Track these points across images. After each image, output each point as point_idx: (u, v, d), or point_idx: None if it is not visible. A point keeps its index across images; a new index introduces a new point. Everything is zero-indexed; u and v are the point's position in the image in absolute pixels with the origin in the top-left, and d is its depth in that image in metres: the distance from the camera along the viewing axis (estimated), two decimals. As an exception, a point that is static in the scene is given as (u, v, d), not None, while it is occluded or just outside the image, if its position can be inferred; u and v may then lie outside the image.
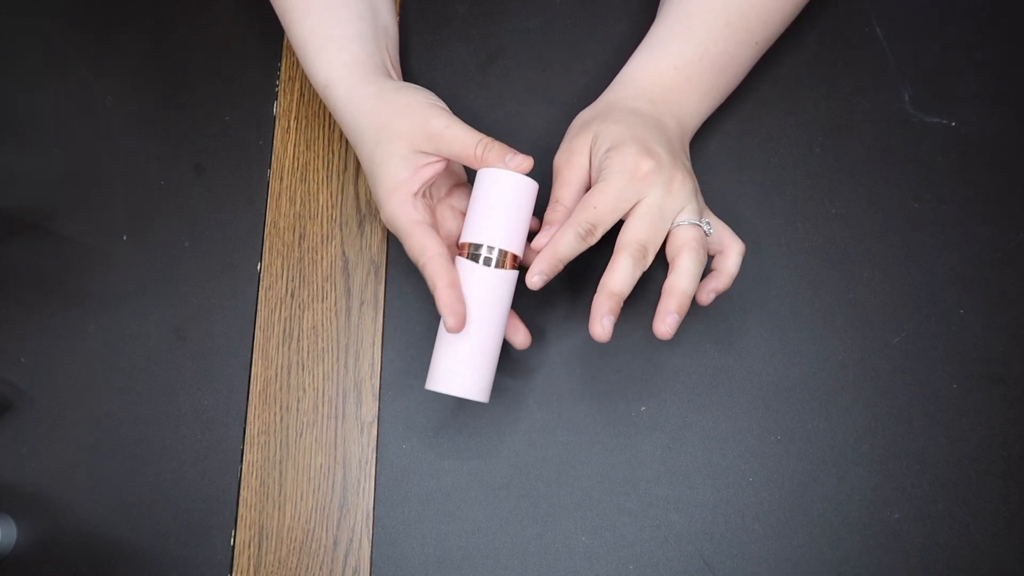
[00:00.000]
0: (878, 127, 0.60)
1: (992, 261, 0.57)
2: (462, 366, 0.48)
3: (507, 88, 0.62)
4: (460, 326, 0.47)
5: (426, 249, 0.48)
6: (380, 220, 0.60)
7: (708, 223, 0.49)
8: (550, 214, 0.49)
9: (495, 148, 0.48)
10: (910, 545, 0.52)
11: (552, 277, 0.47)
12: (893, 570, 0.52)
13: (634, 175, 0.47)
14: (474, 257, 0.49)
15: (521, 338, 0.53)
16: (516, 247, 0.49)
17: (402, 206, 0.49)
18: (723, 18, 0.53)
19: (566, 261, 0.47)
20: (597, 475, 0.54)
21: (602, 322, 0.46)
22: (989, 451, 0.54)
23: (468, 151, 0.48)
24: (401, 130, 0.49)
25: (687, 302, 0.47)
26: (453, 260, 0.49)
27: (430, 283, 0.48)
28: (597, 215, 0.47)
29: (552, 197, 0.50)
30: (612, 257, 0.47)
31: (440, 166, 0.50)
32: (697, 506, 0.54)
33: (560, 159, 0.51)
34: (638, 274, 0.47)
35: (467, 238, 0.49)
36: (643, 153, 0.47)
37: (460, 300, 0.47)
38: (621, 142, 0.48)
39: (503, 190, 0.48)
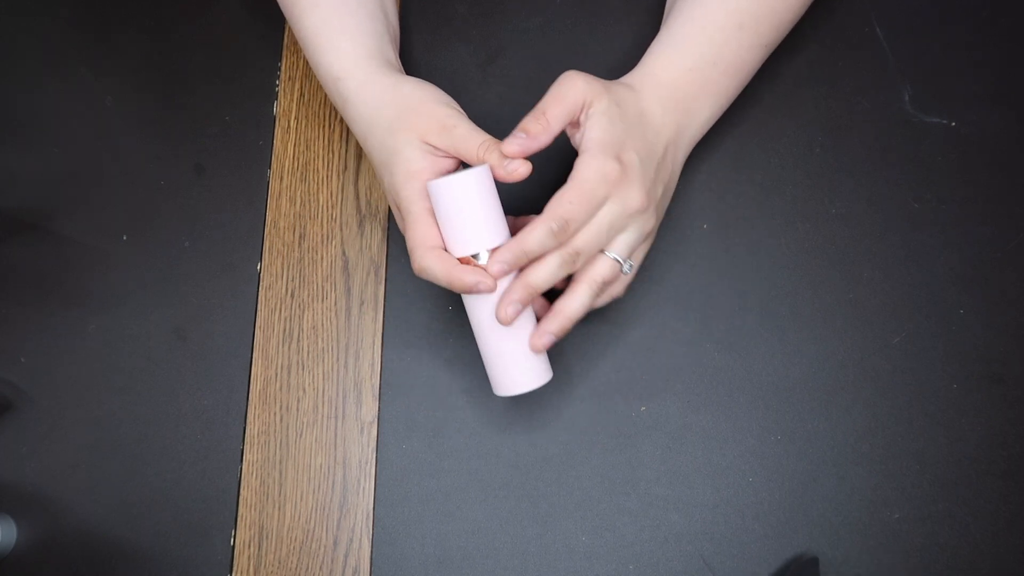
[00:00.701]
0: (878, 127, 0.60)
1: (992, 261, 0.57)
2: (521, 363, 0.48)
3: (507, 88, 0.62)
4: (494, 284, 0.46)
5: (427, 240, 0.47)
6: (379, 219, 0.60)
7: (631, 264, 0.49)
8: (530, 123, 0.47)
9: (494, 152, 0.47)
10: (910, 545, 0.52)
11: (515, 268, 0.46)
12: (893, 570, 0.52)
13: (606, 179, 0.46)
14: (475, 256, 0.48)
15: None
16: (505, 238, 0.48)
17: (421, 192, 0.48)
18: (736, 21, 0.53)
19: (532, 256, 0.46)
20: (597, 475, 0.54)
21: (506, 309, 0.46)
22: (989, 451, 0.54)
23: (471, 150, 0.48)
24: (415, 122, 0.49)
25: (568, 326, 0.48)
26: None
27: (439, 273, 0.47)
28: (570, 212, 0.45)
29: (538, 107, 0.48)
30: (534, 221, 0.46)
31: (453, 161, 0.50)
32: (697, 506, 0.54)
33: (568, 78, 0.49)
34: (559, 276, 0.47)
35: (459, 252, 0.47)
36: (620, 157, 0.47)
37: (476, 271, 0.47)
38: (604, 144, 0.47)
39: (466, 193, 0.47)
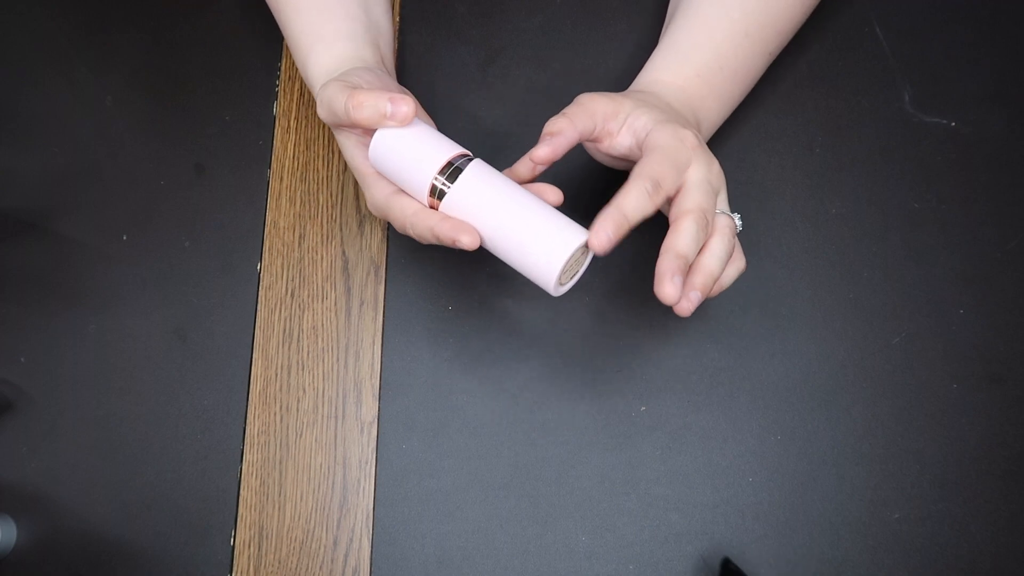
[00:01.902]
0: (878, 127, 0.60)
1: (992, 261, 0.57)
2: (551, 230, 0.44)
3: (507, 88, 0.62)
4: (476, 239, 0.45)
5: (405, 209, 0.47)
6: (379, 219, 0.60)
7: (740, 217, 0.49)
8: (551, 125, 0.47)
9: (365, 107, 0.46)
10: (910, 545, 0.52)
11: (619, 239, 0.43)
12: (893, 570, 0.52)
13: (684, 143, 0.46)
14: (447, 183, 0.46)
15: (552, 195, 0.48)
16: (455, 148, 0.47)
17: (381, 188, 0.49)
18: (742, 29, 0.53)
19: (633, 221, 0.43)
20: (597, 475, 0.54)
21: (673, 280, 0.43)
22: (989, 451, 0.54)
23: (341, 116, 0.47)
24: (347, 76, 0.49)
25: (711, 284, 0.45)
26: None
27: (424, 233, 0.46)
28: (659, 173, 0.44)
29: (561, 113, 0.47)
30: (673, 224, 0.44)
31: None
32: (697, 506, 0.54)
33: (585, 96, 0.49)
34: (702, 240, 0.45)
35: (425, 187, 0.46)
36: (687, 128, 0.47)
37: (459, 221, 0.45)
38: (663, 120, 0.47)
39: (396, 140, 0.46)
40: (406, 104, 0.45)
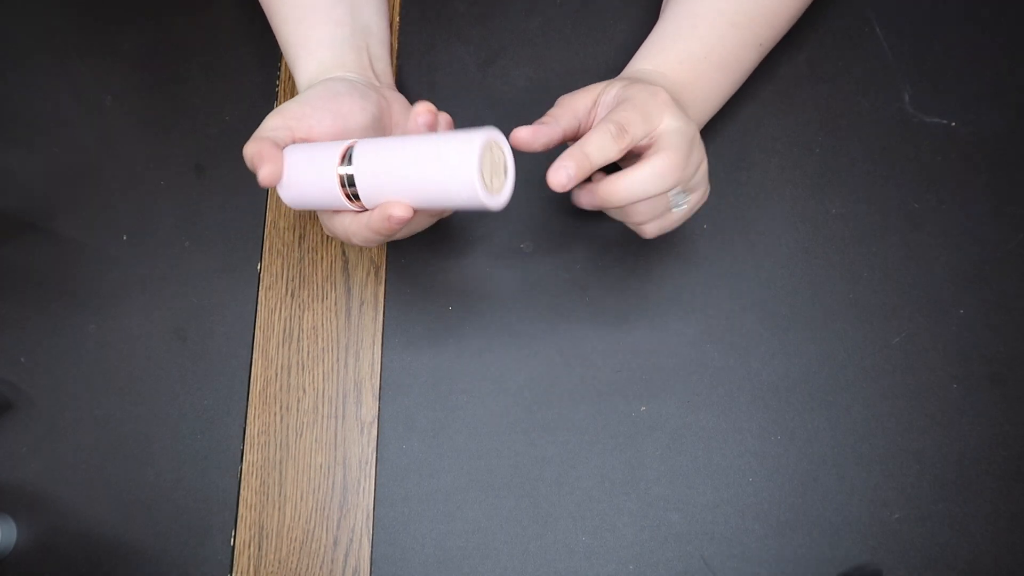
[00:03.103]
0: (878, 127, 0.60)
1: (992, 261, 0.57)
2: (448, 145, 0.41)
3: (507, 88, 0.62)
4: (406, 208, 0.43)
5: (345, 224, 0.47)
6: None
7: (685, 199, 0.48)
8: (538, 123, 0.47)
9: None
10: (910, 545, 0.52)
11: (579, 177, 0.43)
12: (893, 570, 0.52)
13: (655, 97, 0.46)
14: (348, 168, 0.44)
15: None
16: (342, 144, 0.46)
17: (323, 220, 0.50)
18: (729, 20, 0.53)
19: (595, 161, 0.43)
20: (597, 475, 0.54)
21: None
22: (989, 451, 0.54)
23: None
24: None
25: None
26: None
27: (367, 234, 0.45)
28: (626, 118, 0.44)
29: (545, 115, 0.48)
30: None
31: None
32: (697, 506, 0.54)
33: (564, 96, 0.50)
34: (611, 153, 0.44)
35: (335, 188, 0.45)
36: (660, 89, 0.46)
37: (384, 203, 0.44)
38: (634, 82, 0.48)
39: (290, 172, 0.46)
40: (264, 167, 0.45)
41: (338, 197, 0.46)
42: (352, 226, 0.46)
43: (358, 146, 0.45)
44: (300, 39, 0.54)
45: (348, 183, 0.45)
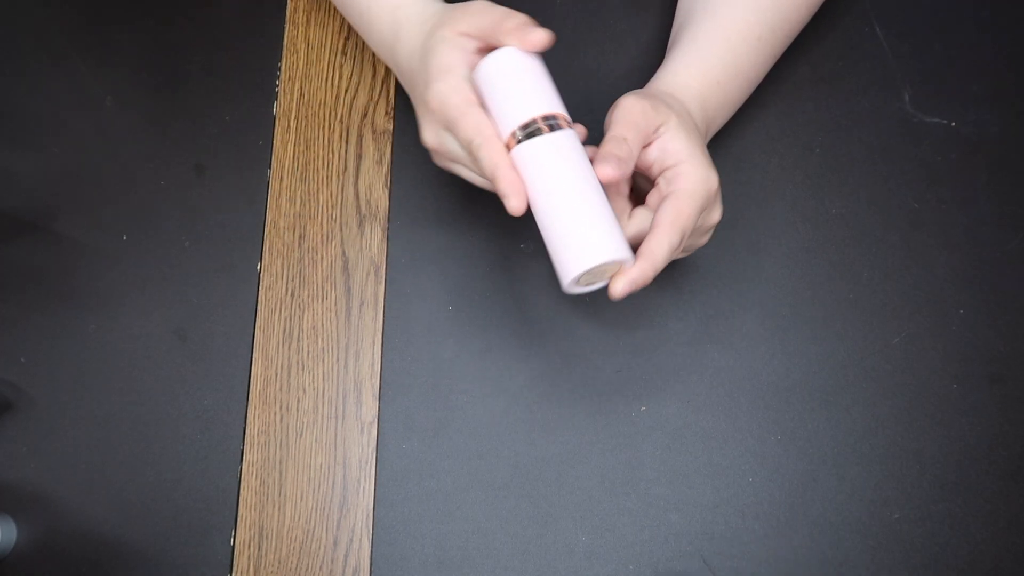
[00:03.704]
0: (878, 127, 0.60)
1: (992, 261, 0.57)
2: (595, 232, 0.42)
3: (507, 88, 0.62)
4: (523, 206, 0.44)
5: (483, 129, 0.45)
6: (379, 219, 0.60)
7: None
8: (615, 148, 0.45)
9: (513, 20, 0.46)
10: (910, 545, 0.52)
11: (643, 286, 0.44)
12: (893, 570, 0.52)
13: (710, 191, 0.46)
14: (530, 135, 0.44)
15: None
16: (560, 108, 0.45)
17: (458, 87, 0.46)
18: (756, 33, 0.53)
19: (660, 269, 0.45)
20: (597, 475, 0.54)
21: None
22: (989, 451, 0.54)
23: (495, 24, 0.46)
24: (456, 16, 0.48)
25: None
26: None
27: (487, 167, 0.44)
28: (689, 226, 0.45)
29: (614, 134, 0.46)
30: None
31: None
32: (697, 506, 0.54)
33: (629, 105, 0.47)
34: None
35: (510, 126, 0.44)
36: (711, 167, 0.47)
37: (521, 180, 0.44)
38: (695, 155, 0.47)
39: (507, 68, 0.45)
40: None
41: (504, 125, 0.45)
42: (487, 141, 0.45)
43: (554, 136, 0.44)
44: None
45: (521, 136, 0.44)
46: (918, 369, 0.55)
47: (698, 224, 0.47)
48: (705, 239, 0.51)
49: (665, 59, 0.55)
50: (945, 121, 0.59)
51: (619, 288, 0.43)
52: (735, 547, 0.53)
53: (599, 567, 0.53)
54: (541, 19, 0.64)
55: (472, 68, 0.47)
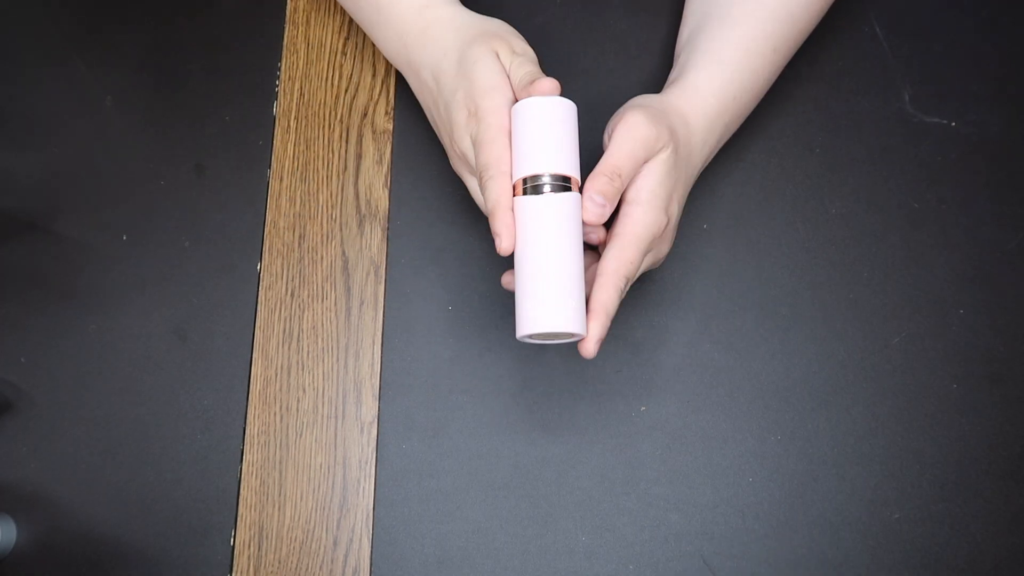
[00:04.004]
0: (878, 127, 0.60)
1: (992, 261, 0.57)
2: (554, 301, 0.44)
3: (507, 88, 0.62)
4: (510, 249, 0.46)
5: (500, 163, 0.46)
6: (379, 219, 0.60)
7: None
8: (605, 185, 0.46)
9: (526, 83, 0.47)
10: (910, 545, 0.52)
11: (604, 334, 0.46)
12: (893, 570, 0.52)
13: (654, 236, 0.47)
14: (534, 190, 0.45)
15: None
16: (573, 170, 0.46)
17: (503, 107, 0.47)
18: (772, 44, 0.53)
19: (613, 315, 0.46)
20: (597, 475, 0.54)
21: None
22: (989, 451, 0.54)
23: (515, 83, 0.48)
24: (495, 40, 0.49)
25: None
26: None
27: (490, 201, 0.46)
28: (634, 270, 0.47)
29: (611, 164, 0.46)
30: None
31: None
32: (697, 506, 0.54)
33: (633, 122, 0.47)
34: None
35: (521, 173, 0.46)
36: (663, 212, 0.47)
37: (514, 224, 0.46)
38: (664, 194, 0.47)
39: (536, 117, 0.46)
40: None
41: (519, 167, 0.47)
42: (500, 176, 0.46)
43: (552, 198, 0.46)
44: None
45: (525, 188, 0.46)
46: (918, 369, 0.55)
47: (645, 262, 0.48)
48: (661, 260, 0.51)
49: (682, 64, 0.54)
50: (945, 121, 0.59)
51: (588, 350, 0.45)
52: (735, 547, 0.53)
53: (599, 567, 0.53)
54: (541, 19, 0.64)
55: (508, 93, 0.48)
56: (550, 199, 0.45)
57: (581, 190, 0.46)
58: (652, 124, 0.47)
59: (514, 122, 0.47)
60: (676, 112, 0.50)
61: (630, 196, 0.47)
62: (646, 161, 0.47)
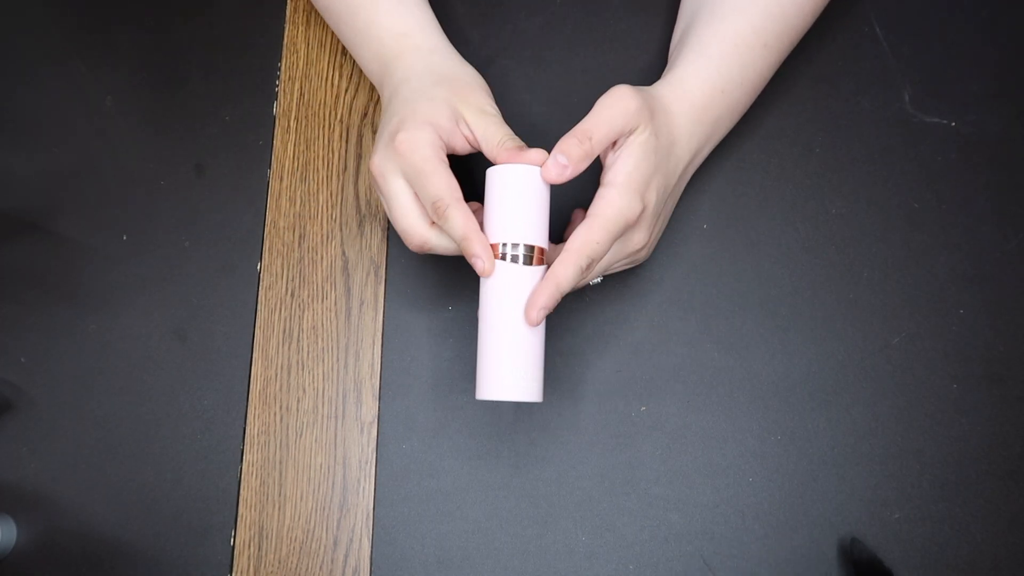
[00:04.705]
0: (878, 127, 0.60)
1: (992, 261, 0.57)
2: (512, 369, 0.46)
3: (507, 88, 0.62)
4: (492, 269, 0.46)
5: (454, 191, 0.47)
6: (379, 219, 0.60)
7: (599, 280, 0.52)
8: (572, 146, 0.46)
9: (510, 147, 0.47)
10: (910, 545, 0.52)
11: (551, 309, 0.47)
12: (893, 570, 0.52)
13: (626, 221, 0.47)
14: (501, 257, 0.47)
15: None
16: (543, 241, 0.48)
17: (434, 141, 0.48)
18: (763, 40, 0.53)
19: (565, 292, 0.47)
20: (597, 475, 0.54)
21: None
22: (989, 451, 0.54)
23: (491, 143, 0.48)
24: (464, 92, 0.50)
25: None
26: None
27: (458, 228, 0.46)
28: (599, 253, 0.46)
29: (584, 127, 0.46)
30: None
31: (467, 147, 0.50)
32: (697, 506, 0.54)
33: (622, 97, 0.47)
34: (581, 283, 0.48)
35: (493, 239, 0.47)
36: (637, 197, 0.47)
37: (489, 247, 0.47)
38: (631, 178, 0.47)
39: (517, 185, 0.47)
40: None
41: (491, 233, 0.48)
42: (466, 218, 0.47)
43: (520, 269, 0.47)
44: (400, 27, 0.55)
45: (502, 253, 0.47)
46: (918, 369, 0.55)
47: (617, 249, 0.48)
48: (639, 257, 0.51)
49: (672, 60, 0.55)
50: (945, 121, 0.59)
51: (531, 317, 0.46)
52: (735, 547, 0.53)
53: (599, 567, 0.53)
54: (541, 19, 0.64)
55: (453, 141, 0.49)
56: (521, 270, 0.47)
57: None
58: (633, 97, 0.47)
59: (489, 186, 0.48)
60: (660, 100, 0.50)
61: (607, 179, 0.47)
62: (622, 133, 0.47)
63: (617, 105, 0.46)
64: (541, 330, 0.48)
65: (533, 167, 0.47)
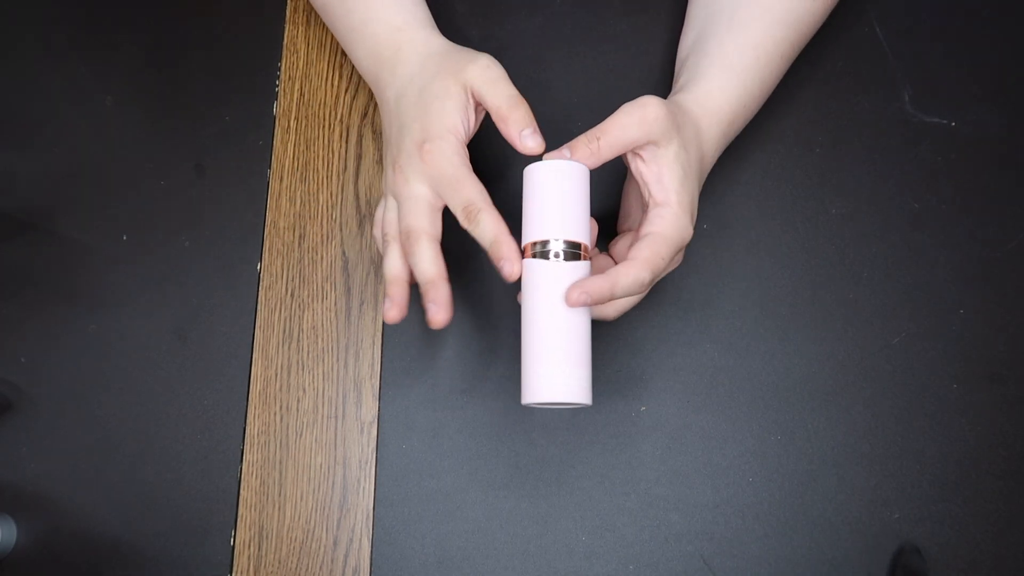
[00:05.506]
0: (878, 127, 0.60)
1: (992, 261, 0.57)
2: (560, 369, 0.45)
3: (507, 88, 0.62)
4: (518, 273, 0.46)
5: (484, 196, 0.47)
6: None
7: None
8: (580, 145, 0.46)
9: (519, 111, 0.47)
10: (910, 545, 0.52)
11: (591, 304, 0.45)
12: (893, 570, 0.52)
13: (684, 241, 0.47)
14: (543, 255, 0.46)
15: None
16: (585, 237, 0.47)
17: (459, 150, 0.48)
18: (781, 51, 0.54)
19: (619, 296, 0.46)
20: (597, 475, 0.54)
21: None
22: (989, 451, 0.54)
23: (501, 104, 0.48)
24: (467, 69, 0.49)
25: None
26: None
27: (489, 231, 0.46)
28: (660, 267, 0.46)
29: (596, 129, 0.47)
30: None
31: (479, 119, 0.50)
32: (697, 506, 0.54)
33: (638, 112, 0.47)
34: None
35: (531, 237, 0.46)
36: (690, 218, 0.47)
37: (519, 251, 0.46)
38: (684, 202, 0.47)
39: (558, 180, 0.46)
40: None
41: (528, 232, 0.48)
42: (495, 214, 0.47)
43: (567, 264, 0.46)
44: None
45: (536, 250, 0.46)
46: (918, 369, 0.55)
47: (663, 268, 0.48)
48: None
49: (692, 68, 0.54)
50: (945, 121, 0.59)
51: (573, 296, 0.44)
52: (735, 547, 0.53)
53: (599, 567, 0.53)
54: (541, 19, 0.64)
55: (469, 133, 0.49)
56: (562, 266, 0.46)
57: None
58: (655, 108, 0.46)
59: (528, 183, 0.48)
60: (689, 115, 0.50)
61: (660, 196, 0.47)
62: (637, 142, 0.46)
63: (635, 113, 0.46)
64: (588, 330, 0.46)
65: (575, 163, 0.47)
